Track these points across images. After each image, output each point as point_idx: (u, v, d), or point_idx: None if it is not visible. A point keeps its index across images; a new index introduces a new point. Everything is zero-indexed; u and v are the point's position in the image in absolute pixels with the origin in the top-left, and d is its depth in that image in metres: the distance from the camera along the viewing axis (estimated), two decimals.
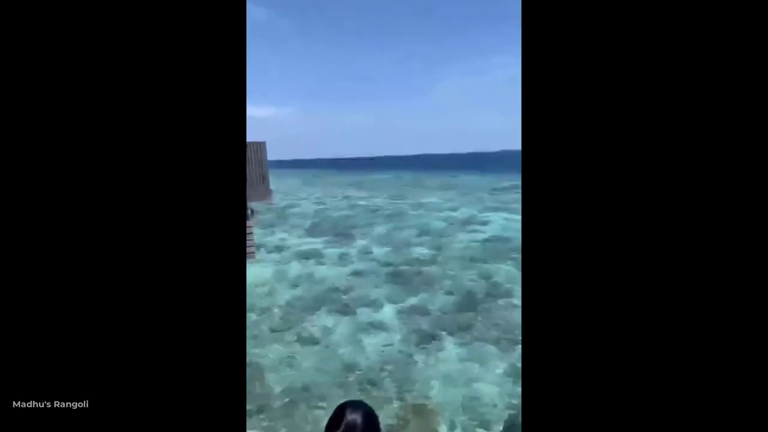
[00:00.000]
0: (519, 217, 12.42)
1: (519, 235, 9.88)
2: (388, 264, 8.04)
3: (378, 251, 9.09)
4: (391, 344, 4.80)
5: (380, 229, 11.58)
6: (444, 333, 4.99)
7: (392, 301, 6.09)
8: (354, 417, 1.14)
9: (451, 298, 6.10)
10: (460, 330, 5.05)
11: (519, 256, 8.09)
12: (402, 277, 7.17)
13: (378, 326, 5.27)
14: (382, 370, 4.20)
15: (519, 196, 18.39)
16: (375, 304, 6.01)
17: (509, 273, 7.16)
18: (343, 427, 1.13)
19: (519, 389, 3.76)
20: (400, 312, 5.72)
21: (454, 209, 14.83)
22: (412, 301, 6.09)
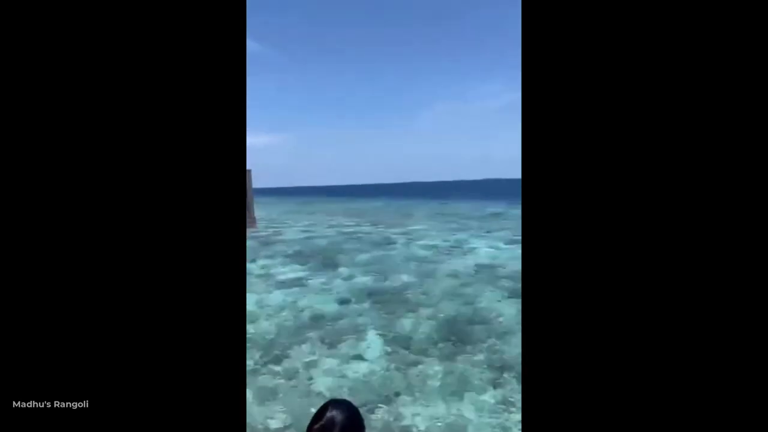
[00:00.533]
0: (503, 245, 12.50)
1: (505, 262, 9.92)
2: (372, 292, 7.97)
3: (362, 279, 9.02)
4: (374, 372, 4.70)
5: (365, 257, 11.52)
6: (429, 360, 4.92)
7: (376, 329, 6.01)
8: (335, 413, 1.16)
9: (436, 325, 6.05)
10: (445, 357, 4.99)
11: (507, 283, 8.11)
12: (386, 304, 7.10)
13: (361, 356, 5.18)
14: (366, 403, 4.10)
15: (503, 223, 18.43)
16: (359, 332, 5.92)
17: (494, 300, 7.14)
18: (323, 421, 1.15)
19: (504, 418, 3.71)
20: (384, 340, 5.63)
21: (442, 237, 14.87)
22: (397, 328, 6.02)
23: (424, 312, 6.69)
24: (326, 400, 1.25)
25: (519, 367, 4.57)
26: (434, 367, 4.79)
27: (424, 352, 5.19)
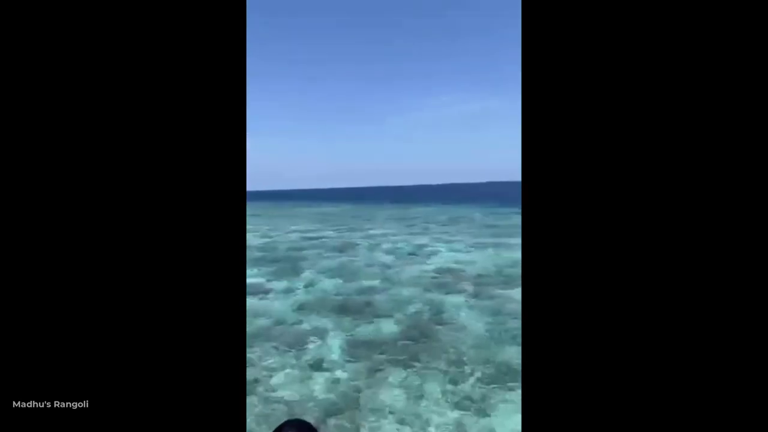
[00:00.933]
0: (465, 248, 12.67)
1: (466, 266, 10.04)
2: (336, 295, 7.87)
3: (326, 283, 8.91)
4: (339, 379, 4.63)
5: (327, 262, 11.40)
6: (392, 364, 4.89)
7: (340, 332, 5.93)
8: None
9: (400, 328, 6.03)
10: (409, 360, 4.97)
11: (468, 286, 8.20)
12: (348, 310, 7.02)
13: (324, 360, 5.08)
14: (327, 411, 4.02)
15: (464, 227, 18.71)
16: (322, 336, 5.82)
17: (457, 303, 7.20)
18: None
19: (468, 418, 3.72)
20: (347, 344, 5.56)
21: (405, 240, 14.92)
22: (359, 333, 5.96)
23: (387, 316, 6.66)
24: (284, 414, 1.19)
25: (481, 370, 4.62)
26: (399, 369, 4.75)
27: (386, 358, 5.15)
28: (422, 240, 15.02)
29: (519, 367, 4.66)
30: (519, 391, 4.15)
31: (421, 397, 4.21)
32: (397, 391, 4.34)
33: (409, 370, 4.80)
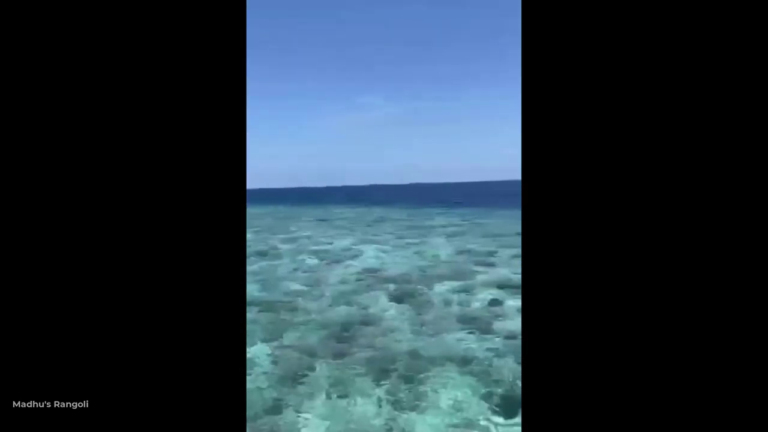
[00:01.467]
0: (388, 249, 12.87)
1: (390, 266, 10.18)
2: (257, 301, 7.63)
3: (249, 288, 8.60)
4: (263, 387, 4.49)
5: (249, 267, 11.01)
6: (318, 365, 4.84)
7: (262, 340, 5.75)
8: None
9: (325, 332, 5.98)
10: (335, 361, 4.95)
11: (392, 286, 8.34)
12: (272, 314, 6.85)
13: (248, 366, 4.91)
14: (252, 418, 3.90)
15: (387, 227, 18.91)
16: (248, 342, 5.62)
17: (382, 303, 7.29)
18: None
19: (394, 414, 3.78)
20: (270, 350, 5.41)
21: (329, 242, 14.83)
22: (284, 338, 5.83)
23: (312, 319, 6.58)
24: None
25: (409, 369, 4.71)
26: (326, 371, 4.72)
27: (312, 361, 5.09)
28: (347, 241, 15.03)
29: (443, 362, 4.83)
30: (442, 386, 4.30)
31: (346, 395, 4.21)
32: (322, 391, 4.31)
33: (334, 369, 4.79)
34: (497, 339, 5.50)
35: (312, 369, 4.77)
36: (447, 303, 7.15)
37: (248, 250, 13.69)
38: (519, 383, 4.18)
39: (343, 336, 5.79)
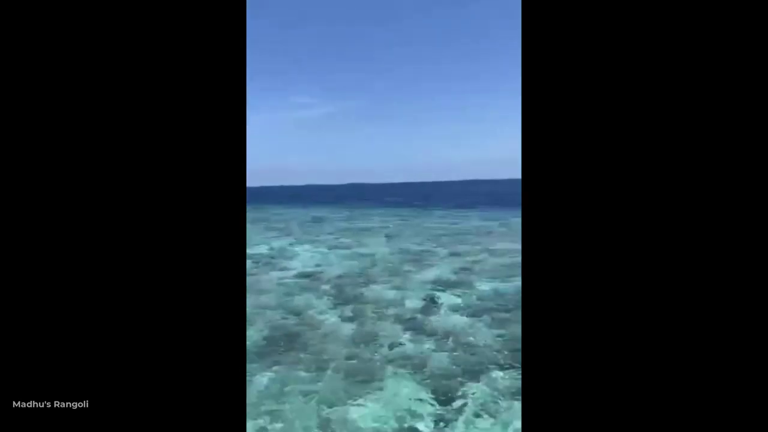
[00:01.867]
0: (325, 250, 12.76)
1: (328, 267, 10.09)
2: None
3: None
4: None
5: None
6: (257, 368, 4.71)
7: None
8: None
9: (263, 335, 5.82)
10: (273, 364, 4.84)
11: (329, 287, 8.27)
12: None
13: None
14: None
15: (325, 228, 18.73)
16: None
17: (320, 305, 7.22)
18: None
19: (330, 413, 3.76)
20: None
21: (265, 244, 14.43)
22: None
23: (250, 323, 6.37)
24: None
25: (345, 370, 4.69)
26: (266, 374, 4.59)
27: (249, 366, 4.93)
28: (284, 242, 14.71)
29: (381, 362, 4.87)
30: (379, 385, 4.33)
31: (284, 396, 4.13)
32: (261, 393, 4.20)
33: (273, 372, 4.67)
34: (433, 337, 5.62)
35: (250, 373, 4.62)
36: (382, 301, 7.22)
37: None
38: (458, 378, 4.32)
39: (279, 340, 5.65)
